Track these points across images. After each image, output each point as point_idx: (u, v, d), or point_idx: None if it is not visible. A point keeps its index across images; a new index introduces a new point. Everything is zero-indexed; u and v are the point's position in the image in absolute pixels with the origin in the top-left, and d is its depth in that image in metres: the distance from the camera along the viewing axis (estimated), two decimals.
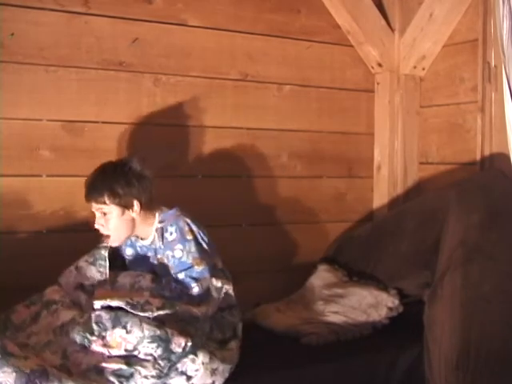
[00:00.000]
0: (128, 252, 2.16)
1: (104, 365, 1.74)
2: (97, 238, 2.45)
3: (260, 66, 2.82)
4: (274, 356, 2.11)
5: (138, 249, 2.15)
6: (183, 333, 1.83)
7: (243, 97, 2.78)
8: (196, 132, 2.66)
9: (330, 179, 3.03)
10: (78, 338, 1.77)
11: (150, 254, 2.12)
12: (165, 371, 1.79)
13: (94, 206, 2.03)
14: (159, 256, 2.08)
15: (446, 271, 2.15)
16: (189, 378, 1.82)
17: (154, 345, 1.78)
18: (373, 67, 3.10)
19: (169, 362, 1.79)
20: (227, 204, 2.71)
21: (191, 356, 1.83)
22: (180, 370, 1.82)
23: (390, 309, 2.38)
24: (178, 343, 1.80)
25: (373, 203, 3.15)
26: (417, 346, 2.14)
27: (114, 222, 2.04)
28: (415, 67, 3.03)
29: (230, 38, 2.75)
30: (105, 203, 2.01)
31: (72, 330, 1.78)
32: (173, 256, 2.02)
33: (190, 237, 2.04)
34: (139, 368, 1.76)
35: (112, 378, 1.73)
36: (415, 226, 2.50)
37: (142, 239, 2.13)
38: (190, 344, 1.81)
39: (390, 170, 3.08)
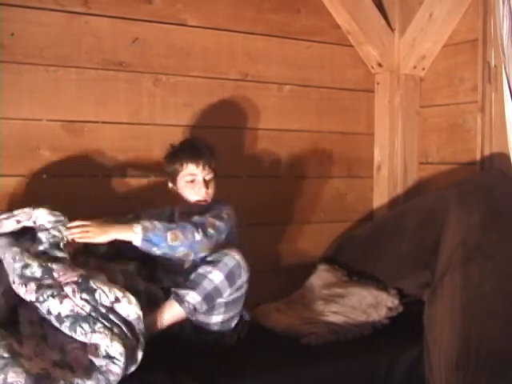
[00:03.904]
0: None
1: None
2: None
3: (260, 66, 2.82)
4: (274, 356, 2.10)
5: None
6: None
7: (243, 97, 2.78)
8: (196, 132, 2.66)
9: (330, 179, 3.03)
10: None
11: None
12: None
13: (203, 172, 2.18)
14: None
15: (446, 271, 2.15)
16: None
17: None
18: (373, 67, 3.10)
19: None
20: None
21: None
22: None
23: (390, 309, 2.38)
24: None
25: (373, 203, 3.15)
26: (417, 346, 2.14)
27: (214, 188, 2.23)
28: (415, 67, 3.03)
29: (229, 37, 2.75)
30: (214, 169, 2.21)
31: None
32: None
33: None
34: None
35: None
36: (415, 225, 2.50)
37: None
38: None
39: (390, 170, 3.08)
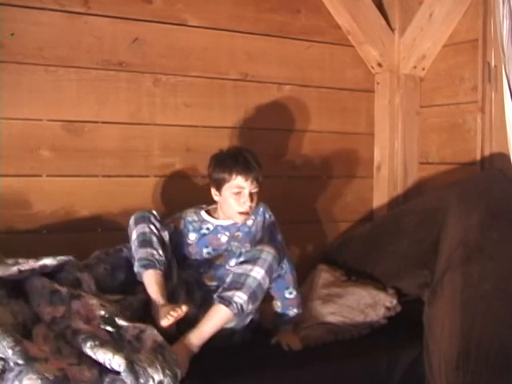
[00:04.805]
0: (191, 237, 2.26)
1: None
2: (97, 238, 2.47)
3: (260, 66, 2.82)
4: (273, 356, 2.10)
5: (205, 231, 2.26)
6: None
7: (243, 97, 2.78)
8: (196, 132, 2.66)
9: (330, 179, 3.03)
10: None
11: (225, 233, 2.25)
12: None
13: (251, 186, 2.18)
14: (237, 233, 2.25)
15: (446, 271, 2.15)
16: None
17: None
18: (373, 67, 3.10)
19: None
20: None
21: None
22: None
23: (388, 308, 2.37)
24: None
25: (373, 203, 3.15)
26: (417, 345, 2.14)
27: (256, 202, 2.23)
28: (415, 67, 3.03)
29: (230, 38, 2.75)
30: (260, 184, 2.21)
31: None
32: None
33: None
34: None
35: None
36: (415, 225, 2.50)
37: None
38: None
39: (390, 170, 3.08)
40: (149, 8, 2.57)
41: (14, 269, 1.96)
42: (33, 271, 1.98)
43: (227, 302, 1.96)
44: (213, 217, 2.29)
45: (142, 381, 1.64)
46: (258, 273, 1.99)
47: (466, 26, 2.82)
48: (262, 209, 2.29)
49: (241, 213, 2.20)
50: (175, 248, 2.23)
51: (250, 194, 2.18)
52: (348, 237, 2.88)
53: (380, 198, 3.12)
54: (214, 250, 2.24)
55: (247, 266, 2.00)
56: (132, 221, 2.14)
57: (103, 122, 2.51)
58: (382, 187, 3.11)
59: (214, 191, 2.25)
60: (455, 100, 2.88)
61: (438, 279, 2.17)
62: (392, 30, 3.05)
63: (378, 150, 3.13)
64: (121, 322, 1.86)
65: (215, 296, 2.00)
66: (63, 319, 1.82)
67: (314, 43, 2.96)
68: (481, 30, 2.71)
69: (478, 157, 2.73)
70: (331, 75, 3.01)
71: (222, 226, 2.26)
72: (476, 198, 2.32)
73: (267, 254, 2.02)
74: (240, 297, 1.96)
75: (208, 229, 2.26)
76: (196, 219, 2.28)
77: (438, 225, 2.34)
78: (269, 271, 2.01)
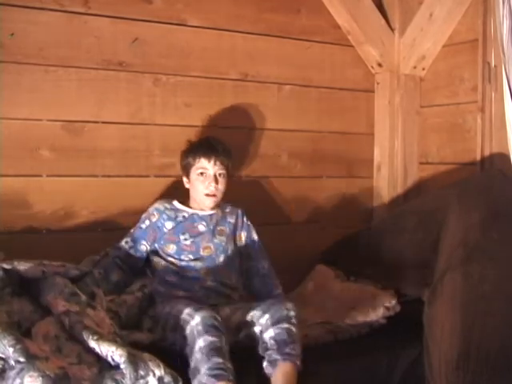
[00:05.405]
0: (168, 226, 2.29)
1: None
2: (97, 238, 2.47)
3: (260, 66, 2.82)
4: None
5: (181, 219, 2.30)
6: None
7: (243, 97, 2.78)
8: (196, 132, 2.66)
9: (330, 179, 3.03)
10: None
11: (202, 223, 2.30)
12: None
13: (214, 168, 2.25)
14: (220, 227, 2.33)
15: (446, 271, 2.15)
16: None
17: None
18: (373, 67, 3.10)
19: None
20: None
21: None
22: None
23: (387, 308, 2.37)
24: None
25: (373, 203, 3.15)
26: (417, 346, 2.14)
27: (224, 185, 2.30)
28: (415, 67, 3.03)
29: (230, 37, 2.75)
30: (227, 166, 2.29)
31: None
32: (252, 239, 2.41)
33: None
34: None
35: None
36: (415, 225, 2.50)
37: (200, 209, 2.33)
38: None
39: (390, 170, 3.08)
40: (149, 8, 2.57)
41: (39, 269, 2.00)
42: (55, 274, 2.01)
43: (294, 361, 1.92)
44: (186, 205, 2.34)
45: (141, 373, 1.64)
46: (295, 326, 1.97)
47: (466, 26, 2.82)
48: (240, 212, 2.41)
49: (207, 194, 2.27)
50: (155, 241, 2.30)
51: (215, 176, 2.26)
52: (348, 237, 2.88)
53: (380, 198, 3.12)
54: (190, 236, 2.27)
55: (283, 325, 1.97)
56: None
57: (103, 122, 2.51)
58: (382, 187, 3.11)
59: (184, 180, 2.35)
60: (455, 100, 2.88)
61: (438, 279, 2.17)
62: (392, 29, 3.05)
63: (377, 150, 3.13)
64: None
65: (269, 360, 1.94)
66: (77, 315, 1.83)
67: (314, 43, 2.96)
68: (481, 30, 2.71)
69: (478, 157, 2.73)
70: (331, 75, 3.02)
71: (197, 215, 2.32)
72: (476, 198, 2.32)
73: (291, 309, 2.00)
74: (296, 349, 1.95)
75: (184, 217, 2.31)
76: (169, 207, 2.33)
77: (438, 225, 2.33)
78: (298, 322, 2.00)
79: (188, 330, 1.86)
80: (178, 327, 1.92)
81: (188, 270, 2.23)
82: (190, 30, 2.66)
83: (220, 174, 2.27)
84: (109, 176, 2.52)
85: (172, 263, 2.25)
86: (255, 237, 2.42)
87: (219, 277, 2.24)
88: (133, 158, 2.56)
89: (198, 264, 2.24)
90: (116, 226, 2.49)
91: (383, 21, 3.02)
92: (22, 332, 1.79)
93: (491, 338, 1.97)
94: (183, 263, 2.24)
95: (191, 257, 2.25)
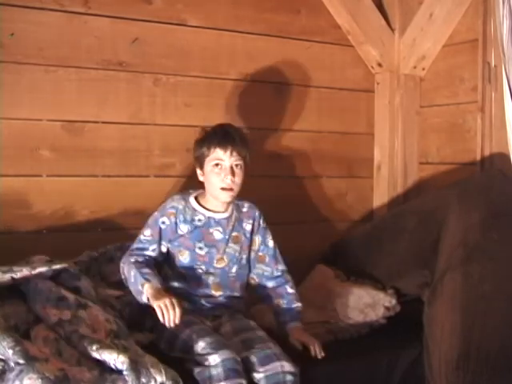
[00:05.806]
0: (183, 229, 2.11)
1: None
2: (97, 238, 2.47)
3: (260, 66, 2.82)
4: None
5: (197, 223, 2.11)
6: None
7: (243, 97, 2.78)
8: (196, 132, 2.65)
9: (330, 179, 3.03)
10: None
11: (218, 229, 2.13)
12: None
13: (231, 159, 2.06)
14: (235, 234, 2.16)
15: (446, 271, 2.15)
16: None
17: None
18: (373, 67, 3.10)
19: None
20: None
21: None
22: None
23: (387, 308, 2.37)
24: None
25: (373, 203, 3.15)
26: (417, 346, 2.14)
27: (241, 178, 2.10)
28: (415, 67, 3.03)
29: (230, 37, 2.75)
30: (244, 157, 2.08)
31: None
32: (266, 244, 2.25)
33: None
34: None
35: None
36: (415, 225, 2.50)
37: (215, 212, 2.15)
38: None
39: (390, 170, 3.08)
40: (149, 8, 2.57)
41: (7, 276, 1.93)
42: (27, 279, 1.96)
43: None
44: (202, 205, 2.14)
45: (143, 380, 1.65)
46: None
47: (466, 26, 2.82)
48: (257, 214, 2.24)
49: (223, 188, 2.07)
50: (170, 241, 2.11)
51: (232, 168, 2.06)
52: (348, 237, 2.88)
53: (380, 198, 3.12)
54: (205, 245, 2.11)
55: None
56: None
57: (103, 122, 2.51)
58: (382, 187, 3.11)
59: (198, 172, 2.15)
60: (455, 100, 2.88)
61: (438, 279, 2.17)
62: (392, 29, 3.05)
63: (377, 150, 3.13)
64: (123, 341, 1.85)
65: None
66: (71, 323, 1.82)
67: (313, 43, 2.95)
68: (481, 30, 2.71)
69: (478, 157, 2.73)
70: (331, 75, 3.01)
71: (214, 219, 2.13)
72: (476, 198, 2.32)
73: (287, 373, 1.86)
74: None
75: (200, 220, 2.12)
76: (186, 207, 2.12)
77: (438, 225, 2.33)
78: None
79: (205, 371, 1.79)
80: (188, 353, 1.88)
81: (198, 283, 2.10)
82: (189, 30, 2.66)
83: (237, 166, 2.07)
84: (109, 176, 2.52)
85: (182, 275, 2.10)
86: (270, 242, 2.25)
87: (228, 291, 2.13)
88: (133, 158, 2.56)
89: (210, 278, 2.11)
90: (116, 226, 2.49)
91: (383, 21, 3.02)
92: (20, 335, 1.78)
93: (491, 338, 1.97)
94: (194, 276, 2.10)
95: (204, 268, 2.10)
